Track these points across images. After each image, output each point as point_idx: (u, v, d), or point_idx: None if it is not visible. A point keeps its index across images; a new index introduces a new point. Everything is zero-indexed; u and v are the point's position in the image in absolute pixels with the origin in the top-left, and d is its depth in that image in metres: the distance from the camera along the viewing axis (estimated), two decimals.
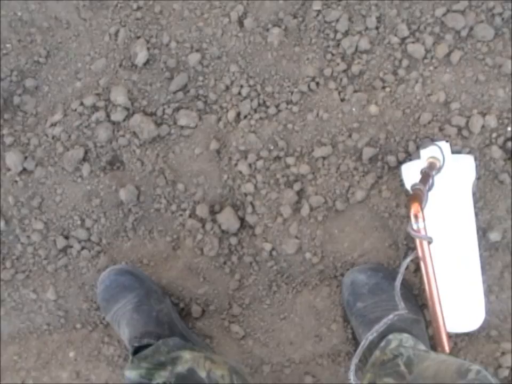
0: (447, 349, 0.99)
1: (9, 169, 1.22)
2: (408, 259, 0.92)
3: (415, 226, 0.93)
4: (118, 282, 1.15)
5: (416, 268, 1.13)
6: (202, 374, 0.99)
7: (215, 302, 1.21)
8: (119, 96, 1.18)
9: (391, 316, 0.84)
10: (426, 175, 0.97)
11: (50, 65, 1.23)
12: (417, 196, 0.92)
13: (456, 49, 1.11)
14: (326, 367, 1.18)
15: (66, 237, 1.23)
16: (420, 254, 0.95)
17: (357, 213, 1.15)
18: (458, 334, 1.12)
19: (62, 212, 1.22)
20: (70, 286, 1.24)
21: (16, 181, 1.23)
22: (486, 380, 0.77)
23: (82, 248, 1.23)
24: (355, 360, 0.79)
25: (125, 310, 1.13)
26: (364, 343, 0.81)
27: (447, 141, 1.08)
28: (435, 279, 0.96)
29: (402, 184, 1.11)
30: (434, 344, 1.05)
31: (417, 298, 1.13)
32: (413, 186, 0.95)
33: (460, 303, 1.06)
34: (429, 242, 0.93)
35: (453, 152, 1.07)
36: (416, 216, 0.92)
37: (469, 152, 1.10)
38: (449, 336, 1.12)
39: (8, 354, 1.27)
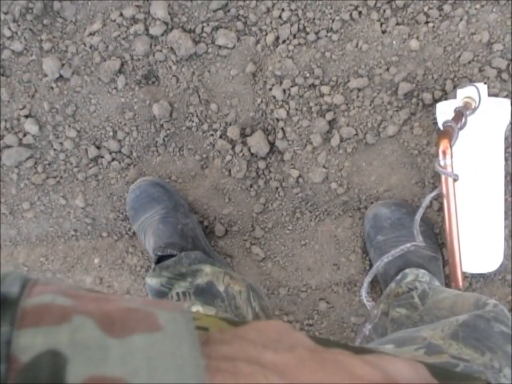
0: (461, 284, 1.00)
1: (45, 75, 1.23)
2: (432, 194, 0.92)
3: (442, 163, 0.93)
4: (148, 193, 1.18)
5: (439, 207, 1.14)
6: (221, 288, 1.03)
7: (238, 223, 1.24)
8: (159, 10, 1.17)
9: (408, 245, 0.86)
10: (460, 114, 0.96)
11: None
12: (447, 132, 0.92)
13: None
14: (341, 295, 1.21)
15: (98, 147, 1.25)
16: (444, 190, 0.95)
17: (387, 147, 1.15)
18: (475, 274, 1.15)
19: (95, 122, 1.24)
20: (98, 195, 1.27)
21: (52, 87, 1.23)
22: (502, 313, 0.79)
23: (113, 159, 1.25)
24: (368, 278, 0.81)
25: (152, 220, 1.16)
26: (379, 263, 0.83)
27: (485, 83, 1.07)
28: (456, 216, 0.97)
29: (435, 123, 1.11)
30: (449, 281, 1.07)
31: (438, 237, 1.15)
32: (444, 123, 0.95)
33: (480, 245, 1.07)
34: (454, 180, 0.94)
35: (490, 94, 1.06)
36: (444, 153, 0.92)
37: (506, 96, 1.09)
38: (466, 276, 1.14)
39: (36, 256, 1.32)
